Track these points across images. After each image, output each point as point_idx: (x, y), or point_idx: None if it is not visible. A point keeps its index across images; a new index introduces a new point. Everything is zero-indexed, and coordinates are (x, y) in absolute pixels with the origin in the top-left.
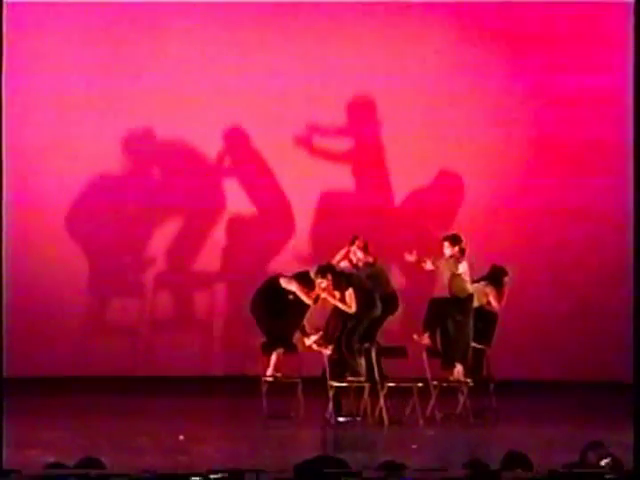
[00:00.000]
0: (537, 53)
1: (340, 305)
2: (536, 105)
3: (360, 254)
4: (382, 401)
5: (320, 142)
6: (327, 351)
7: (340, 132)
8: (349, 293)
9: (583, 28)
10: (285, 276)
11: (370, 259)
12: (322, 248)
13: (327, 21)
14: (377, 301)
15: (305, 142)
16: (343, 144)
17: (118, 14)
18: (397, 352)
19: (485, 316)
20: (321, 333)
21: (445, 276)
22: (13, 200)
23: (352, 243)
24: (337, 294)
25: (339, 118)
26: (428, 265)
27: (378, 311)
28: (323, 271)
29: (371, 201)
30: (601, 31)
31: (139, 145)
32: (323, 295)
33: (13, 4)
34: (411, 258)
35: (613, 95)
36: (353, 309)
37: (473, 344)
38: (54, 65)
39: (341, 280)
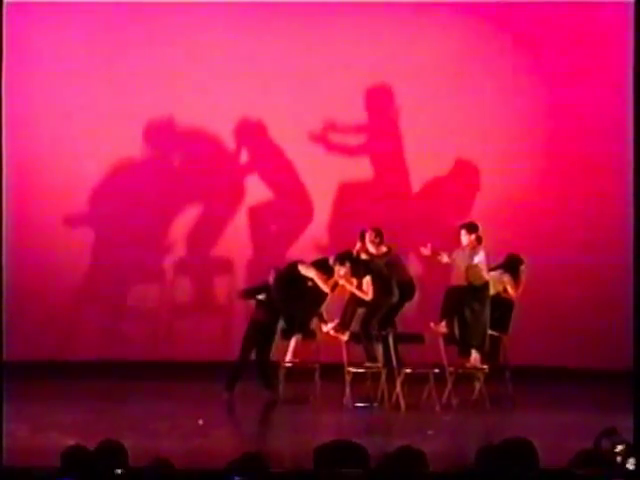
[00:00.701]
0: (542, 48)
1: (357, 292)
2: (549, 98)
3: (372, 248)
4: (399, 387)
5: (337, 138)
6: (344, 337)
7: (357, 125)
8: (366, 280)
9: (583, 28)
10: (304, 263)
11: (384, 249)
12: (340, 237)
13: (344, 13)
14: (394, 288)
15: (322, 139)
16: (361, 136)
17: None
18: (414, 339)
19: (501, 304)
20: (338, 320)
21: (461, 267)
22: (37, 187)
23: (362, 238)
24: (355, 281)
25: (357, 108)
26: (444, 259)
27: (395, 298)
28: (342, 259)
29: (389, 190)
30: (601, 31)
31: (160, 135)
32: (341, 282)
33: (17, 4)
34: (427, 252)
35: (613, 95)
36: (370, 296)
37: (490, 331)
38: (75, 55)
39: (359, 268)
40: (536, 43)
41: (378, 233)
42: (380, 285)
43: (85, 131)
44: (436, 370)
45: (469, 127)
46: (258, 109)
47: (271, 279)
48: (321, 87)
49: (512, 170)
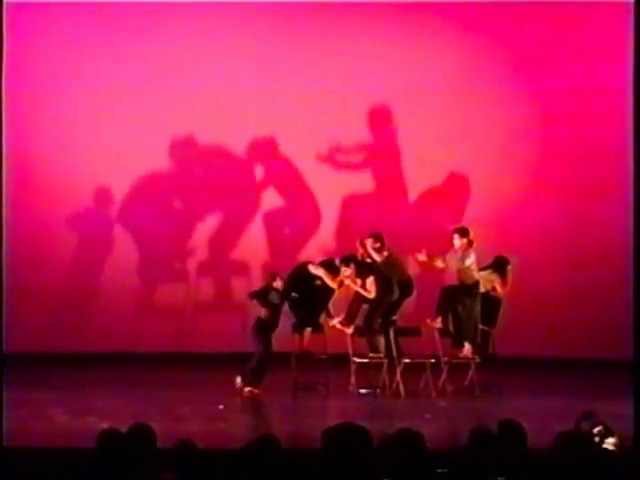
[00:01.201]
0: (540, 54)
1: (361, 291)
2: (542, 105)
3: (375, 254)
4: (399, 375)
5: (342, 157)
6: (349, 330)
7: (359, 143)
8: (370, 280)
9: (583, 28)
10: (313, 263)
11: (385, 253)
12: (344, 241)
13: (344, 30)
14: (395, 287)
15: (329, 159)
16: (362, 151)
17: (150, 17)
18: (412, 332)
19: (490, 301)
20: (344, 315)
21: (454, 268)
22: (76, 195)
23: (362, 245)
24: (359, 281)
25: (358, 124)
26: (439, 264)
27: (395, 296)
28: (347, 261)
29: (388, 199)
30: (601, 31)
31: (183, 148)
32: (347, 282)
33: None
34: (423, 257)
35: (613, 94)
36: (373, 295)
37: (480, 326)
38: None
39: (363, 269)
40: (536, 44)
41: (377, 238)
42: (382, 284)
43: (91, 132)
44: (432, 360)
45: (462, 137)
46: (270, 126)
47: (275, 284)
48: (326, 105)
49: (502, 178)
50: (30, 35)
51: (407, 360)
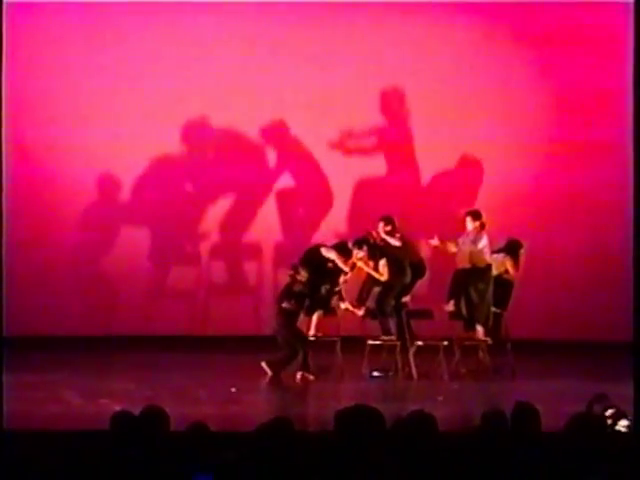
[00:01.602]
0: (543, 53)
1: (373, 273)
2: (551, 97)
3: (392, 240)
4: (411, 358)
5: (354, 143)
6: (360, 312)
7: (371, 128)
8: (382, 263)
9: (583, 28)
10: (325, 246)
11: (397, 236)
12: (357, 224)
13: (357, 17)
14: (407, 269)
15: (340, 145)
16: (374, 136)
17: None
18: (425, 314)
19: (503, 284)
20: (355, 297)
21: (466, 251)
22: (83, 177)
23: (369, 236)
24: (371, 263)
25: (370, 107)
26: (452, 248)
27: (408, 278)
28: (360, 243)
29: (400, 182)
30: (601, 31)
31: (195, 131)
32: (359, 264)
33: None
34: (435, 242)
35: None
36: (385, 277)
37: (492, 308)
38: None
39: (375, 251)
40: (537, 42)
41: (388, 221)
42: (394, 267)
43: (101, 116)
44: (445, 343)
45: (475, 121)
46: (282, 110)
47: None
48: (338, 89)
49: (515, 161)
50: (30, 35)
51: (420, 343)
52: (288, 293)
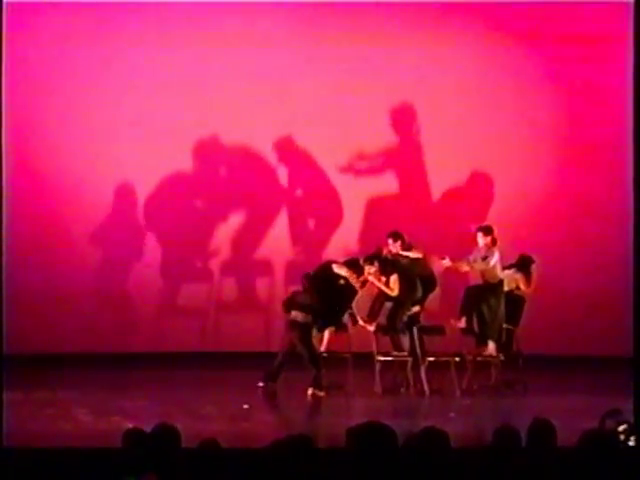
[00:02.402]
0: (542, 50)
1: (384, 289)
2: (564, 105)
3: (410, 253)
4: (423, 374)
5: (363, 165)
6: (371, 328)
7: (382, 147)
8: (394, 278)
9: (583, 28)
10: (337, 262)
11: (407, 249)
12: (367, 241)
13: (366, 30)
14: (418, 285)
15: (350, 168)
16: (385, 154)
17: (172, 18)
18: (436, 330)
19: (514, 300)
20: (367, 312)
21: (478, 269)
22: (91, 193)
23: (380, 252)
24: (383, 279)
25: (381, 124)
26: (464, 267)
27: (419, 294)
28: (371, 259)
29: (412, 198)
30: (601, 31)
31: (205, 148)
32: (370, 279)
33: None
34: (447, 263)
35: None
36: (395, 292)
37: (504, 325)
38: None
39: (387, 266)
40: (537, 42)
41: (396, 237)
42: (405, 282)
43: (105, 130)
44: (457, 358)
45: (486, 137)
46: (293, 126)
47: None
48: (349, 105)
49: (525, 178)
50: (30, 35)
51: (431, 358)
52: (293, 303)
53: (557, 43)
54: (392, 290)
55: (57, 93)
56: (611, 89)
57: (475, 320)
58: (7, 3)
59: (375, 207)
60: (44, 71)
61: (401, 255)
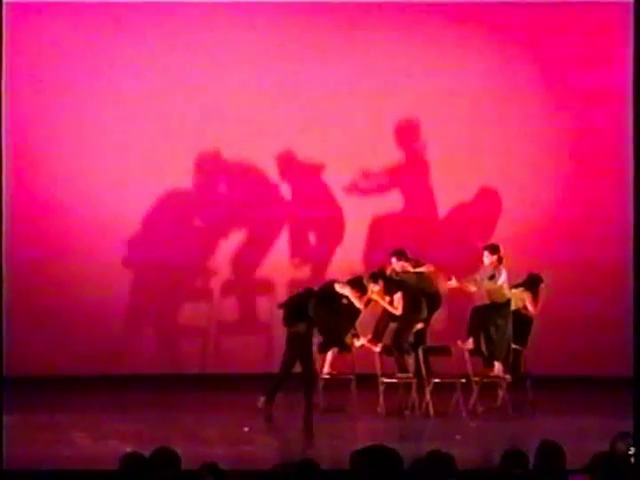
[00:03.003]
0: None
1: (389, 307)
2: (571, 116)
3: (418, 269)
4: (428, 396)
5: (368, 184)
6: (377, 348)
7: (386, 167)
8: (398, 297)
9: (582, 28)
10: (340, 282)
11: (411, 266)
12: (371, 260)
13: (368, 41)
14: (423, 305)
15: (356, 188)
16: (390, 172)
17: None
18: (442, 351)
19: (521, 319)
20: (371, 334)
21: (484, 288)
22: (89, 212)
23: (385, 270)
24: (387, 298)
25: (385, 138)
26: (471, 288)
27: (424, 314)
28: (375, 277)
29: (417, 215)
30: (601, 31)
31: (205, 164)
32: (374, 297)
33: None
34: (453, 284)
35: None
36: (399, 311)
37: (512, 345)
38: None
39: (391, 285)
40: (536, 42)
41: (400, 256)
42: (410, 302)
43: (90, 131)
44: (462, 380)
45: (492, 152)
46: (295, 142)
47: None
48: (353, 119)
49: (533, 193)
50: (30, 35)
51: (437, 380)
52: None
53: (558, 47)
54: (396, 309)
55: (57, 93)
56: (613, 92)
57: (482, 340)
58: (7, 3)
59: (379, 225)
60: (44, 71)
61: (405, 272)
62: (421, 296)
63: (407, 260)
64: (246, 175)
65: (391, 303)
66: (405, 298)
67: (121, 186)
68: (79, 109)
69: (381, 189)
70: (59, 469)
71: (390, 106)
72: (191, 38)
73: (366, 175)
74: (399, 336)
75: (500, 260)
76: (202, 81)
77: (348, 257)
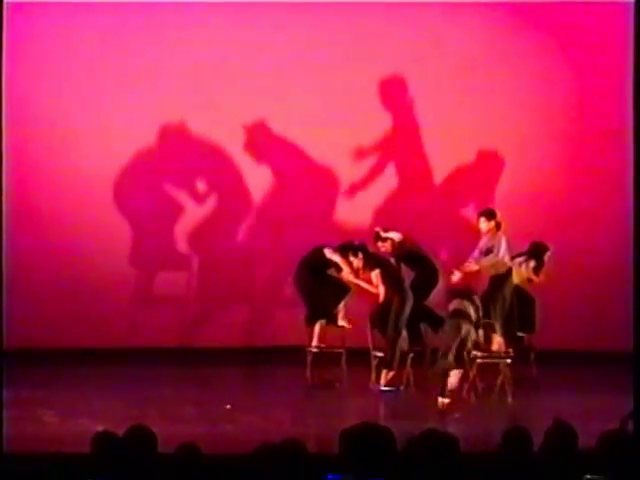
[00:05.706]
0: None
1: (365, 285)
2: (575, 85)
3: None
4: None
5: (364, 161)
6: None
7: (381, 135)
8: (375, 273)
9: (582, 28)
10: (330, 247)
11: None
12: (360, 231)
13: (367, 13)
14: (407, 289)
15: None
16: (383, 143)
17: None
18: (440, 322)
19: (524, 299)
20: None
21: (486, 264)
22: (66, 183)
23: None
24: (365, 276)
25: (374, 105)
26: (473, 267)
27: (410, 300)
28: (355, 250)
29: (410, 184)
30: (601, 31)
31: (193, 135)
32: (351, 278)
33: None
34: (457, 276)
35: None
36: (376, 291)
37: (518, 333)
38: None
39: (370, 260)
40: (537, 42)
41: (377, 237)
42: (392, 285)
43: (90, 130)
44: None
45: (488, 118)
46: (276, 109)
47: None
48: (338, 85)
49: (532, 158)
50: (30, 35)
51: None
52: None
53: (554, 41)
54: (375, 287)
55: (57, 93)
56: (609, 85)
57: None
58: (7, 3)
59: (370, 194)
60: (44, 71)
61: (382, 237)
62: (400, 274)
63: (384, 240)
64: (231, 145)
65: (368, 281)
66: (386, 280)
67: (97, 161)
68: (79, 109)
69: (375, 166)
70: (23, 451)
71: (382, 71)
72: (191, 27)
73: (360, 152)
74: (394, 328)
75: (498, 226)
76: (201, 69)
77: (333, 227)
